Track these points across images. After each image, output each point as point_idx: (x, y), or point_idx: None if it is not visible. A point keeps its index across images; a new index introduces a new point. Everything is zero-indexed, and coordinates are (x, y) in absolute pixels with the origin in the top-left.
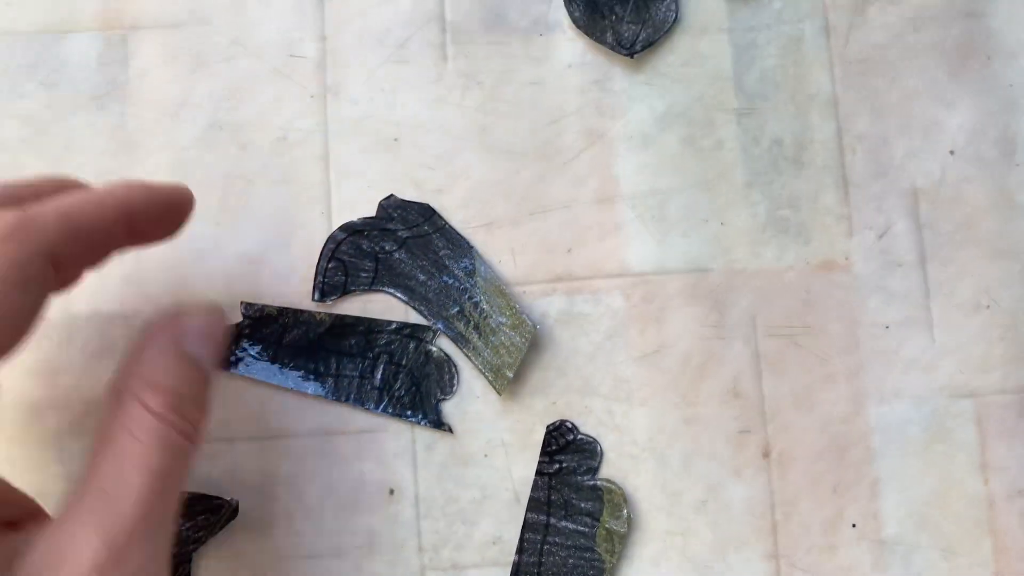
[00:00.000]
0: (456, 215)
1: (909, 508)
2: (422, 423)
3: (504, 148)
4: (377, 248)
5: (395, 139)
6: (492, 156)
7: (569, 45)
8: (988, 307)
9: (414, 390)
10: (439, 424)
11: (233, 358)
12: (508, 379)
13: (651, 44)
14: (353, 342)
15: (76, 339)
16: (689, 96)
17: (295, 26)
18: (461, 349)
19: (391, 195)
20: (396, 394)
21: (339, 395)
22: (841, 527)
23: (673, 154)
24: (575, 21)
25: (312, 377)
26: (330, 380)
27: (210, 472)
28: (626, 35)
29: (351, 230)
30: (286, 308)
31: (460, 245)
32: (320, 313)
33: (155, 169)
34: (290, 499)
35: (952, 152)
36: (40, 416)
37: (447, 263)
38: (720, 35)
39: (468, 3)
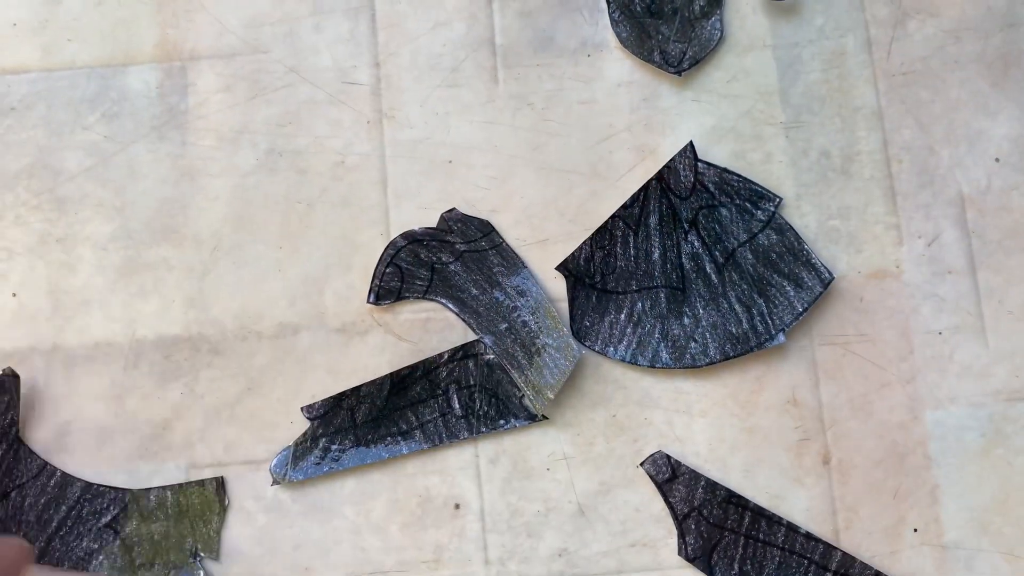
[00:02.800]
0: (511, 233)
1: (970, 513)
2: (518, 424)
3: (556, 167)
4: (434, 258)
5: (449, 161)
6: (545, 175)
7: (617, 65)
8: None
9: (494, 400)
10: (534, 417)
11: (322, 462)
12: (549, 400)
13: (698, 62)
14: (419, 389)
15: (142, 364)
16: (737, 111)
17: (350, 53)
18: (505, 365)
19: (453, 208)
20: (480, 412)
21: (431, 440)
22: (903, 533)
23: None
24: (622, 41)
25: (400, 438)
26: (417, 432)
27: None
28: (673, 53)
29: (411, 238)
30: (343, 392)
31: (514, 264)
32: (376, 379)
33: (217, 195)
34: (357, 516)
35: (998, 160)
36: (110, 439)
37: (500, 280)
38: (765, 51)
39: (517, 27)
